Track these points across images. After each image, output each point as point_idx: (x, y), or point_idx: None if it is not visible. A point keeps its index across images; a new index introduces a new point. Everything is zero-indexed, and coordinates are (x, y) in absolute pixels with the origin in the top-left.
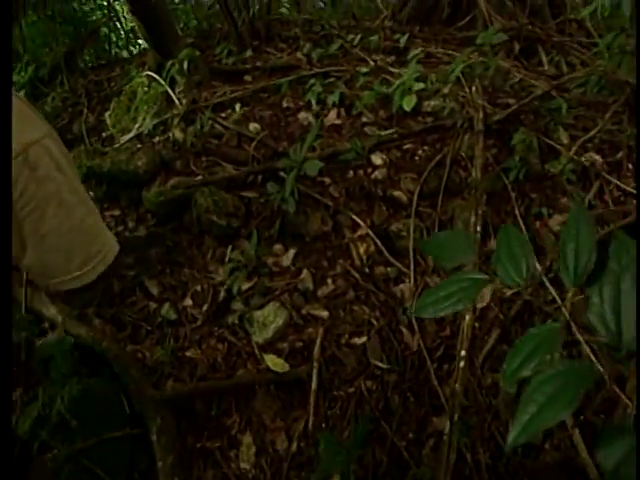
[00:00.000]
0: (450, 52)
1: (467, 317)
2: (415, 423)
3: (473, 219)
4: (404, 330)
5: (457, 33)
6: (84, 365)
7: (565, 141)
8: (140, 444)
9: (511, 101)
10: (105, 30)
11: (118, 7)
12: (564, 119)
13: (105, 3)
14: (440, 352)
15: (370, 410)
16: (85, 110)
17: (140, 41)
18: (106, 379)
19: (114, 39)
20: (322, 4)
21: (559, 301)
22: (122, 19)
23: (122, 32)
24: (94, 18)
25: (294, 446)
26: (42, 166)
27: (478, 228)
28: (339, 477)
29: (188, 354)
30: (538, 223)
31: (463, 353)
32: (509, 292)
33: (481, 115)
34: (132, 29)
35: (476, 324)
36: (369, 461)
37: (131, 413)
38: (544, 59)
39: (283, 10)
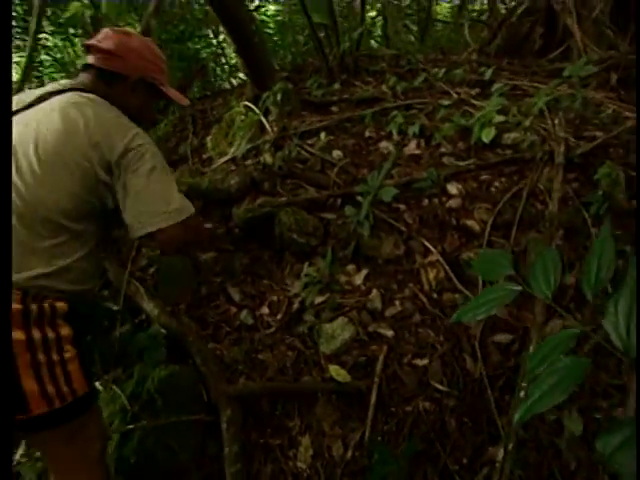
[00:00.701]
0: (537, 84)
1: (531, 348)
2: (470, 449)
3: (551, 256)
4: (467, 357)
5: (548, 65)
6: (171, 354)
7: None
8: (211, 430)
9: (598, 134)
10: (212, 65)
11: (225, 45)
12: None
13: (214, 42)
14: (502, 382)
15: (426, 430)
16: (190, 135)
17: (240, 75)
18: (189, 369)
19: (219, 73)
20: (412, 38)
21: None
22: (227, 56)
23: (226, 67)
24: (204, 55)
25: (349, 454)
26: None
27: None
28: None
29: (260, 357)
30: (621, 262)
31: (524, 384)
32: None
33: (562, 148)
34: (234, 65)
35: None
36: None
37: (206, 402)
38: None
39: (373, 43)
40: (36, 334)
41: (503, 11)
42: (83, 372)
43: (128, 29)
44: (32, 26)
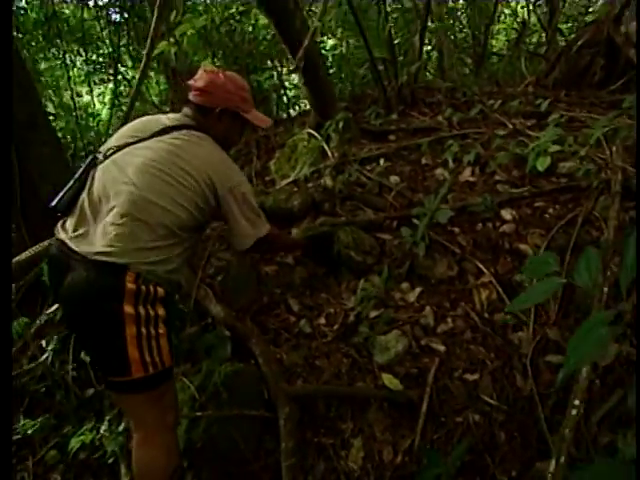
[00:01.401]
0: (595, 116)
1: (584, 370)
2: (519, 463)
3: (601, 279)
4: (517, 375)
5: (608, 97)
6: (235, 354)
7: None
8: (268, 427)
9: None
10: (274, 96)
11: (285, 78)
12: None
13: (275, 75)
14: (553, 401)
15: (475, 442)
16: (254, 158)
17: (298, 105)
18: (251, 368)
19: (280, 103)
20: (467, 70)
21: None
22: (287, 88)
23: (285, 98)
24: (266, 86)
25: (399, 459)
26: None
27: (605, 289)
28: None
29: (317, 362)
30: None
31: (577, 402)
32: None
33: (620, 177)
34: (294, 96)
35: (597, 381)
36: None
37: (266, 399)
38: None
39: (428, 75)
40: (141, 310)
41: (562, 43)
42: (169, 348)
43: (217, 69)
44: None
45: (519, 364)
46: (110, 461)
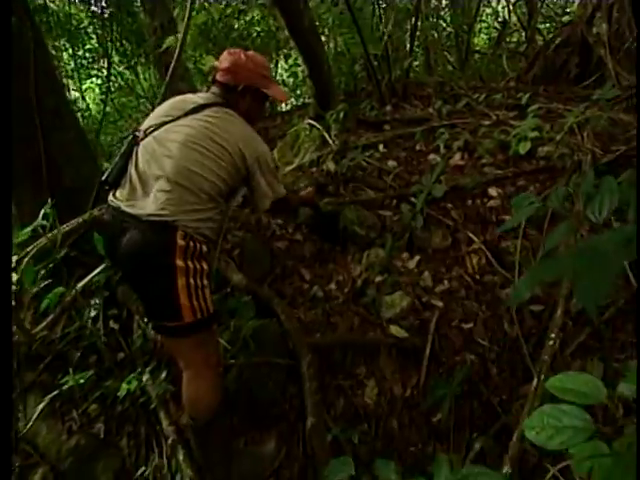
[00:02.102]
0: (570, 108)
1: (559, 310)
2: (508, 389)
3: (573, 241)
4: (505, 322)
5: (581, 91)
6: (259, 314)
7: None
8: (291, 374)
9: (623, 147)
10: None
11: (282, 73)
12: None
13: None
14: (535, 340)
15: (471, 375)
16: None
17: (291, 101)
18: (275, 323)
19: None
20: (452, 67)
21: None
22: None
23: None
24: None
25: (407, 392)
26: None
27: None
28: (443, 410)
29: (332, 319)
30: None
31: (553, 335)
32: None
33: (589, 158)
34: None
35: (570, 323)
36: (467, 408)
37: (290, 350)
38: None
39: (416, 75)
40: (190, 264)
41: (541, 43)
42: (212, 299)
43: (240, 50)
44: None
45: (507, 314)
46: (152, 406)
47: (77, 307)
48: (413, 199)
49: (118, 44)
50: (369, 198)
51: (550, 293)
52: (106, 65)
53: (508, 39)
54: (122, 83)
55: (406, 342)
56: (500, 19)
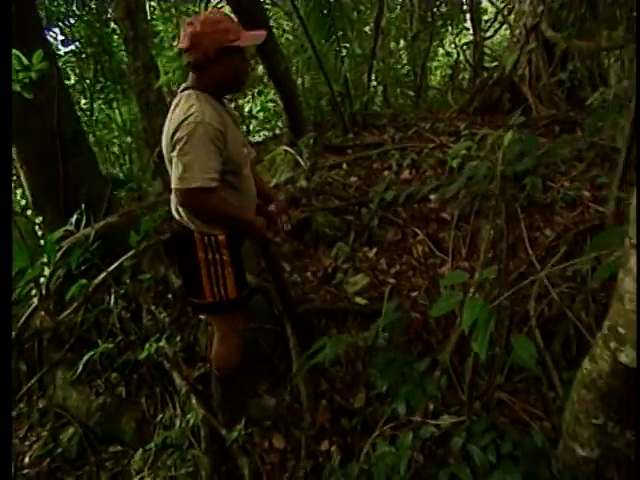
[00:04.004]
0: (501, 133)
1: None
2: (442, 333)
3: (492, 231)
4: (442, 290)
5: (509, 120)
6: (251, 295)
7: (560, 181)
8: (279, 337)
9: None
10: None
11: (252, 107)
12: (559, 169)
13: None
14: None
15: (413, 322)
16: None
17: (263, 132)
18: (264, 300)
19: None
20: (409, 101)
21: None
22: (253, 117)
23: (251, 126)
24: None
25: (369, 342)
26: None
27: (492, 232)
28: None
29: (309, 297)
30: (539, 233)
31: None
32: None
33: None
34: (266, 120)
35: None
36: (413, 346)
37: (276, 317)
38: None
39: (376, 108)
40: (209, 255)
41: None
42: (235, 285)
43: (192, 18)
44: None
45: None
46: (167, 366)
47: (94, 298)
48: (371, 205)
49: (95, 81)
50: (335, 206)
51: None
52: (83, 101)
53: (460, 76)
54: (100, 117)
55: (367, 308)
56: (453, 59)
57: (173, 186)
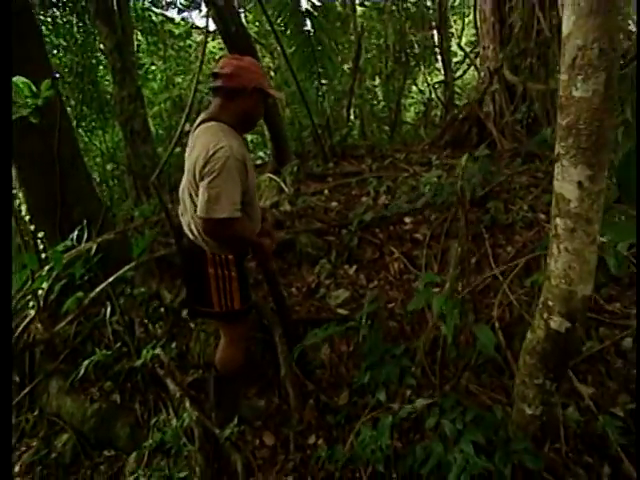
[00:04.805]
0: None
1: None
2: (415, 336)
3: (460, 249)
4: None
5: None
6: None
7: (519, 205)
8: (267, 344)
9: (490, 186)
10: None
11: None
12: (519, 194)
13: None
14: None
15: (393, 329)
16: None
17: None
18: (254, 313)
19: None
20: (385, 135)
21: None
22: None
23: None
24: None
25: (351, 349)
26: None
27: (459, 249)
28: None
29: (295, 309)
30: (501, 250)
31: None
32: None
33: (468, 195)
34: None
35: None
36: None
37: (265, 326)
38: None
39: (354, 140)
40: (219, 272)
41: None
42: (240, 298)
43: (237, 55)
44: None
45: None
46: (162, 373)
47: (88, 312)
48: (351, 227)
49: (80, 109)
50: (317, 228)
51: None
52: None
53: (432, 112)
54: (81, 145)
55: (348, 317)
56: (425, 97)
57: (199, 214)
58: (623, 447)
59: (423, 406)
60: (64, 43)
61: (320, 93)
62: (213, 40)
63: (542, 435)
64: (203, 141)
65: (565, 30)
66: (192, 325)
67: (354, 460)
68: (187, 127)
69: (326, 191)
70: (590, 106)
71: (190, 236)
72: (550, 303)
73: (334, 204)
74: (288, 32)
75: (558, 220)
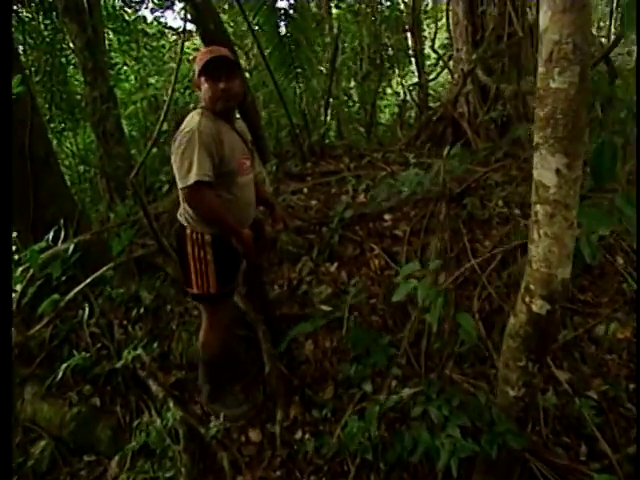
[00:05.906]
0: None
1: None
2: (398, 330)
3: (439, 244)
4: None
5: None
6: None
7: (495, 201)
8: (251, 342)
9: (466, 184)
10: None
11: None
12: (494, 190)
13: None
14: None
15: (375, 322)
16: None
17: None
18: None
19: None
20: (361, 136)
21: None
22: None
23: None
24: None
25: (334, 344)
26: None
27: (438, 244)
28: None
29: (279, 305)
30: (478, 245)
31: None
32: None
33: (447, 192)
34: None
35: None
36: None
37: (249, 324)
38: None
39: (332, 140)
40: (195, 251)
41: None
42: (217, 280)
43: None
44: None
45: None
46: (143, 374)
47: (64, 314)
48: (331, 225)
49: (47, 110)
50: (298, 226)
51: None
52: None
53: (407, 114)
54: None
55: (331, 313)
56: (400, 99)
57: (179, 186)
58: (598, 427)
59: (409, 395)
60: (30, 41)
61: (298, 92)
62: (187, 40)
63: (525, 417)
64: (181, 126)
65: (542, 25)
66: (174, 326)
67: (342, 452)
68: (164, 127)
69: (305, 190)
70: (566, 97)
71: (178, 217)
72: (531, 287)
73: (314, 203)
74: (265, 32)
75: (538, 207)
